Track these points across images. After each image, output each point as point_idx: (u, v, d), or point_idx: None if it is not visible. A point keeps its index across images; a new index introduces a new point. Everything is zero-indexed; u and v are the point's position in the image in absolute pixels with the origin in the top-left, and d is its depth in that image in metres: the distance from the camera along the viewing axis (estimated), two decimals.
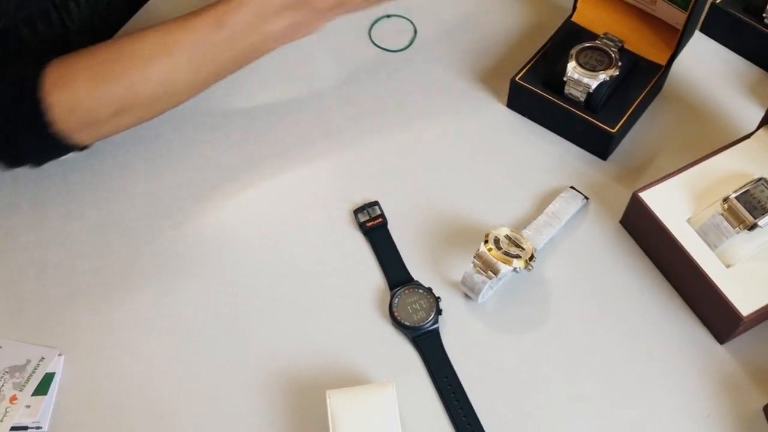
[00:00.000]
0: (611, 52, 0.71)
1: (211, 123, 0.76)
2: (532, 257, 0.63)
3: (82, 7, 0.74)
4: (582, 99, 0.71)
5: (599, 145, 0.72)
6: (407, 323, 0.64)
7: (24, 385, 0.62)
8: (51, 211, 0.72)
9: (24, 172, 0.72)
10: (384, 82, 0.79)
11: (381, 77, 0.80)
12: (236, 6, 0.63)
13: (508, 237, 0.64)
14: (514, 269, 0.62)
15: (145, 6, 0.83)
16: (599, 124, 0.70)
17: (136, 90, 0.64)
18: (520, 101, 0.75)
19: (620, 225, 0.69)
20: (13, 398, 0.61)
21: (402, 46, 0.82)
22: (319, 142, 0.75)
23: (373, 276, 0.68)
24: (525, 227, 0.68)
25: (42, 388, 0.62)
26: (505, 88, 0.76)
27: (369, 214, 0.71)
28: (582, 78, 0.70)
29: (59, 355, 0.64)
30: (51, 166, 0.73)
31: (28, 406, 0.61)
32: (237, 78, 0.69)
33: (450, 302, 0.66)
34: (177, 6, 0.80)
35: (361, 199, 0.71)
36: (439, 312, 0.64)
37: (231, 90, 0.77)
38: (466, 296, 0.66)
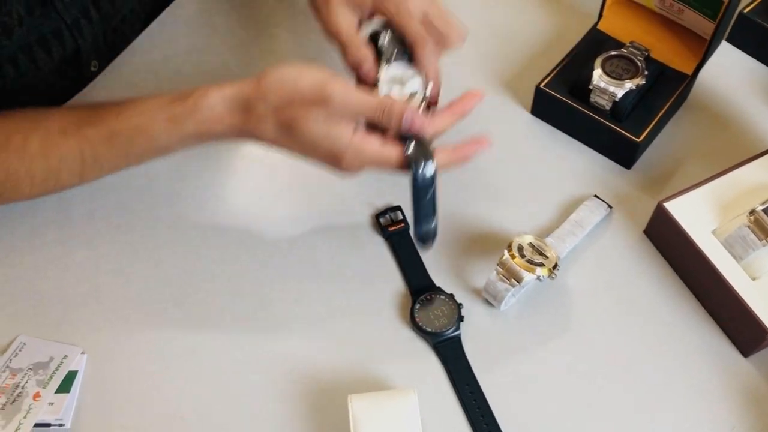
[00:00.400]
0: (638, 61, 0.71)
1: None
2: (555, 266, 0.63)
3: (95, 23, 0.73)
4: (607, 107, 0.70)
5: (624, 154, 0.72)
6: (429, 329, 0.64)
7: (47, 383, 0.62)
8: (75, 210, 0.73)
9: None
10: None
11: None
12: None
13: (531, 245, 0.64)
14: (538, 277, 0.62)
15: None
16: (624, 133, 0.70)
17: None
18: (544, 108, 0.75)
19: (644, 235, 0.69)
20: (37, 395, 0.62)
21: None
22: None
23: (395, 281, 0.68)
24: (548, 235, 0.67)
25: (65, 386, 0.62)
26: (529, 94, 0.76)
27: (391, 218, 0.70)
28: (608, 86, 0.69)
29: (82, 353, 0.64)
30: None
31: (52, 404, 0.61)
32: None
33: (472, 309, 0.65)
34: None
35: (383, 204, 0.71)
36: (461, 318, 0.64)
37: None
38: (488, 303, 0.66)
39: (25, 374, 0.63)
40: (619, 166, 0.73)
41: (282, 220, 0.71)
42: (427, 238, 0.62)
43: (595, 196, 0.71)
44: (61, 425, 0.61)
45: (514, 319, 0.65)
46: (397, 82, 0.62)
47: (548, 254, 0.64)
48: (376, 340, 0.65)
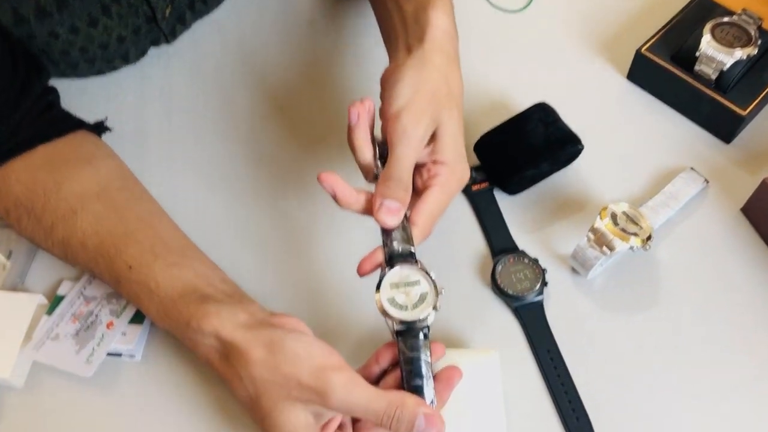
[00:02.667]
0: (750, 30, 0.67)
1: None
2: (649, 237, 0.60)
3: None
4: (713, 77, 0.67)
5: (725, 127, 0.69)
6: (510, 292, 0.62)
7: (120, 313, 0.62)
8: (153, 144, 0.72)
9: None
10: (498, 44, 0.76)
11: (495, 39, 0.77)
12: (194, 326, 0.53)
13: (625, 213, 0.61)
14: (631, 247, 0.59)
15: None
16: (729, 104, 0.66)
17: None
18: (643, 74, 0.72)
19: (741, 212, 0.66)
20: (110, 324, 0.61)
21: (519, 7, 0.78)
22: None
23: (476, 241, 0.65)
24: (640, 205, 0.64)
25: (138, 317, 0.62)
26: (627, 59, 0.72)
27: (475, 177, 0.68)
28: (717, 54, 0.66)
29: None
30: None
31: (124, 334, 0.61)
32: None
33: (556, 276, 0.63)
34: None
35: (468, 162, 0.69)
36: (545, 284, 0.62)
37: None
38: (574, 271, 0.63)
39: (99, 303, 0.63)
40: (717, 140, 0.70)
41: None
42: None
43: (692, 168, 0.67)
44: (132, 357, 0.61)
45: (600, 290, 0.63)
46: (401, 287, 0.52)
47: (642, 224, 0.61)
48: (453, 298, 0.62)
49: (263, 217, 0.68)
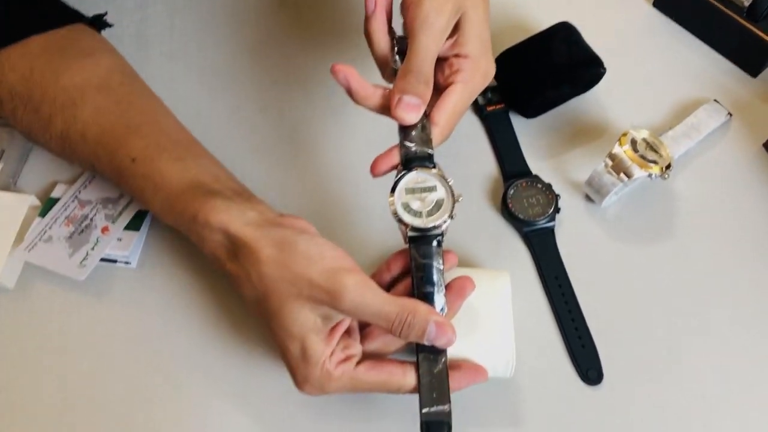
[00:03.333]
0: None
1: None
2: (669, 166, 0.58)
3: None
4: (746, 4, 0.63)
5: (753, 60, 0.66)
6: (521, 216, 0.60)
7: (116, 218, 0.59)
8: (154, 50, 0.69)
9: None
10: None
11: None
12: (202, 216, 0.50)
13: (645, 140, 0.59)
14: (649, 175, 0.57)
15: None
16: (761, 34, 0.63)
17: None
18: (669, 1, 0.68)
19: (763, 148, 0.63)
20: (105, 229, 0.59)
21: None
22: None
23: (488, 164, 0.63)
24: (660, 135, 0.62)
25: (134, 224, 0.59)
26: None
27: (490, 98, 0.65)
28: None
29: None
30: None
31: (120, 239, 0.59)
32: None
33: (568, 202, 0.61)
34: None
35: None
36: (557, 210, 0.60)
37: None
38: (587, 199, 0.61)
39: (94, 207, 0.60)
40: (743, 73, 0.67)
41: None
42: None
43: (715, 100, 0.65)
44: (127, 263, 0.59)
45: (613, 219, 0.61)
46: (417, 192, 0.50)
47: (662, 152, 0.59)
48: (462, 221, 0.60)
49: (269, 120, 0.65)
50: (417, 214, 0.49)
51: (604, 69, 0.63)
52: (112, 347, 0.57)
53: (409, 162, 0.50)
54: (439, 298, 0.48)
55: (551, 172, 0.63)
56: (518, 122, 0.65)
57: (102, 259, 0.58)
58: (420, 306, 0.46)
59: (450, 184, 0.49)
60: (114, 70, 0.59)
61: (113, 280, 0.59)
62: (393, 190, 0.49)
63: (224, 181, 0.54)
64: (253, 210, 0.51)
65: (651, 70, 0.67)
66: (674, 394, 0.54)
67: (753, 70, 0.67)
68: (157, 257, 0.60)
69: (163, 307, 0.58)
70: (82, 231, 0.59)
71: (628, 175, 0.57)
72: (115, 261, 0.59)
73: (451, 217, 0.49)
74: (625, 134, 0.59)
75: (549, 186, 0.61)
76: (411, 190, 0.49)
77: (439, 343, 0.47)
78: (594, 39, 0.65)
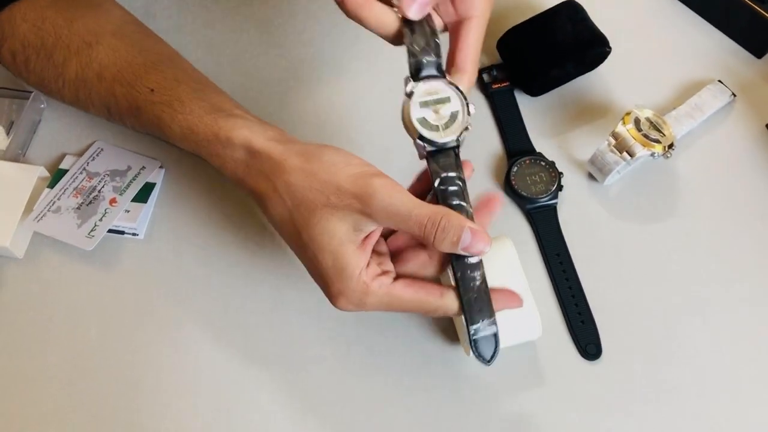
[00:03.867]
0: None
1: None
2: (671, 145, 0.58)
3: None
4: None
5: (758, 40, 0.66)
6: (524, 193, 0.60)
7: (124, 190, 0.60)
8: (161, 23, 0.69)
9: None
10: None
11: None
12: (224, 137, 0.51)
13: (649, 119, 0.59)
14: (652, 154, 0.58)
15: None
16: (767, 15, 0.64)
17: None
18: None
19: (766, 129, 0.64)
20: (113, 200, 0.60)
21: None
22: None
23: (492, 141, 0.64)
24: (663, 115, 0.62)
25: (142, 196, 0.60)
26: None
27: (495, 76, 0.66)
28: None
29: (160, 167, 0.62)
30: None
31: (128, 211, 0.60)
32: None
33: (571, 180, 0.62)
34: None
35: (488, 60, 0.67)
36: (560, 188, 0.60)
37: None
38: (590, 177, 0.62)
39: (102, 179, 0.61)
40: (748, 54, 0.67)
41: (377, 65, 0.67)
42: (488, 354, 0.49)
43: (719, 81, 0.65)
44: (134, 234, 0.60)
45: (616, 197, 0.61)
46: (430, 105, 0.48)
47: (665, 132, 0.59)
48: None
49: (276, 94, 0.66)
50: (434, 128, 0.47)
51: (609, 48, 0.63)
52: (120, 316, 0.58)
53: (418, 72, 0.48)
54: (468, 209, 0.47)
55: (555, 150, 0.63)
56: (523, 100, 0.65)
57: (110, 231, 0.59)
58: (452, 212, 0.45)
59: (463, 93, 0.48)
60: (127, 19, 0.60)
61: (121, 251, 0.60)
62: (408, 97, 0.48)
63: (243, 109, 0.55)
64: (273, 130, 0.51)
65: (656, 50, 0.68)
66: (671, 369, 0.55)
67: (758, 51, 0.67)
68: (164, 229, 0.61)
69: (170, 277, 0.59)
70: (90, 202, 0.60)
71: (631, 154, 0.58)
72: (122, 232, 0.60)
73: (467, 128, 0.48)
74: (628, 113, 0.59)
75: (552, 164, 0.62)
76: (425, 103, 0.48)
77: (475, 250, 0.45)
78: (599, 18, 0.65)
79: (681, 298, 0.58)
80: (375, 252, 0.48)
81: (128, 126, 0.58)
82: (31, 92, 0.64)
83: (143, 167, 0.62)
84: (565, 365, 0.56)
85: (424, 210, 0.45)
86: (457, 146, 0.48)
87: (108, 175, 0.61)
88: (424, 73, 0.48)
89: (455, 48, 0.50)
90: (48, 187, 0.61)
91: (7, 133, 0.63)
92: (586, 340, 0.56)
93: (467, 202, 0.47)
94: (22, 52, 0.57)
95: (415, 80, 0.48)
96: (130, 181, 0.61)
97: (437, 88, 0.48)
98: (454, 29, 0.50)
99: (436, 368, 0.56)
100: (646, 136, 0.58)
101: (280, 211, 0.48)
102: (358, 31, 0.50)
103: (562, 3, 0.65)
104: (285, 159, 0.48)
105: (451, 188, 0.47)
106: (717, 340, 0.56)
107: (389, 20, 0.48)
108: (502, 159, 0.63)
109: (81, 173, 0.61)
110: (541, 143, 0.63)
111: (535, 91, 0.65)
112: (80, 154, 0.63)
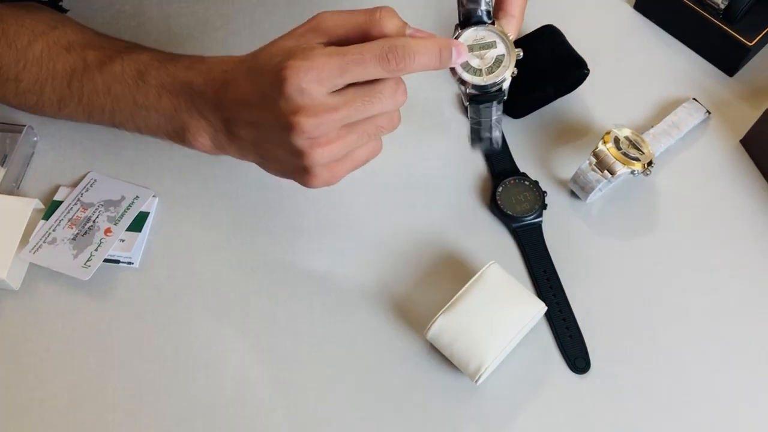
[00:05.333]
0: None
1: None
2: (650, 163, 0.61)
3: None
4: (722, 6, 0.66)
5: (729, 59, 0.68)
6: (510, 213, 0.62)
7: (118, 220, 0.61)
8: None
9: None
10: None
11: None
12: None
13: (628, 138, 0.61)
14: (632, 172, 0.60)
15: None
16: (736, 35, 0.66)
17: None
18: (650, 3, 0.71)
19: (740, 144, 0.66)
20: (108, 231, 0.61)
21: None
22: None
23: (477, 163, 0.65)
24: (642, 133, 0.65)
25: (136, 225, 0.61)
26: None
27: None
28: None
29: (153, 196, 0.63)
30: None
31: (123, 240, 0.61)
32: None
33: (555, 199, 0.63)
34: None
35: None
36: (544, 206, 0.62)
37: None
38: (573, 195, 0.64)
39: (96, 209, 0.62)
40: (720, 73, 0.69)
41: None
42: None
43: (694, 99, 0.67)
44: (129, 263, 0.61)
45: (598, 214, 0.63)
46: (475, 50, 0.49)
47: (644, 150, 0.61)
48: (454, 217, 0.63)
49: None
50: (477, 72, 0.49)
51: (588, 70, 0.65)
52: (117, 345, 0.59)
53: (467, 20, 0.50)
54: (497, 132, 0.53)
55: (538, 170, 0.65)
56: (506, 122, 0.67)
57: (105, 260, 0.60)
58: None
59: (510, 39, 0.49)
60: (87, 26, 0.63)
61: (117, 280, 0.61)
62: None
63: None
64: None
65: (633, 71, 0.70)
66: (659, 381, 0.57)
67: (730, 70, 0.69)
68: (159, 257, 0.62)
69: (166, 304, 0.60)
70: (86, 233, 0.61)
71: (612, 173, 0.60)
72: (118, 261, 0.61)
73: (512, 74, 0.49)
74: (608, 133, 0.61)
75: (536, 183, 0.64)
76: (470, 48, 0.49)
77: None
78: (578, 41, 0.67)
79: (665, 309, 0.60)
80: None
81: (84, 99, 0.58)
82: (24, 126, 0.65)
83: (137, 196, 0.63)
84: (554, 379, 0.57)
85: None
86: (500, 91, 0.49)
87: (102, 205, 0.62)
88: (473, 20, 0.50)
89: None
90: (43, 218, 0.62)
91: (1, 167, 0.64)
92: (575, 354, 0.58)
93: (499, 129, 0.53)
94: None
95: (462, 28, 0.50)
96: (125, 211, 0.62)
97: (483, 33, 0.50)
98: None
99: (426, 383, 0.57)
100: (625, 154, 0.60)
101: (239, 111, 0.51)
102: None
103: (542, 27, 0.67)
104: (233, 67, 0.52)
105: (484, 128, 0.52)
106: (701, 350, 0.58)
107: None
108: (488, 180, 0.65)
109: (75, 204, 0.62)
110: (524, 163, 0.65)
111: (517, 113, 0.67)
112: (74, 185, 0.64)
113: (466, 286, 0.57)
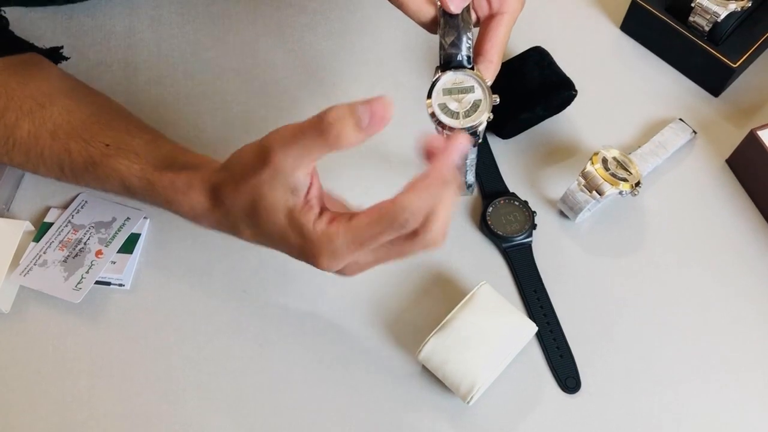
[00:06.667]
0: None
1: None
2: (638, 183, 0.61)
3: None
4: (706, 28, 0.67)
5: (714, 80, 0.69)
6: (500, 233, 0.63)
7: (109, 242, 0.61)
8: (141, 75, 0.71)
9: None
10: None
11: None
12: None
13: (616, 159, 0.62)
14: (620, 192, 0.60)
15: None
16: (720, 57, 0.67)
17: None
18: (637, 24, 0.72)
19: (726, 164, 0.67)
20: (99, 253, 0.61)
21: None
22: (426, 64, 0.73)
23: None
24: (630, 153, 0.65)
25: (127, 247, 0.61)
26: (620, 9, 0.73)
27: None
28: (711, 5, 0.66)
29: (144, 218, 0.63)
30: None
31: (114, 263, 0.61)
32: None
33: (544, 219, 0.64)
34: None
35: None
36: (533, 226, 0.63)
37: None
38: (562, 215, 0.64)
39: (87, 231, 0.62)
40: (705, 93, 0.70)
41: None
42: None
43: (680, 119, 0.68)
44: (121, 285, 0.61)
45: (587, 233, 0.64)
46: (454, 93, 0.51)
47: (632, 170, 0.62)
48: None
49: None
50: (454, 114, 0.50)
51: (576, 91, 0.66)
52: (109, 367, 0.58)
53: (448, 64, 0.51)
54: (470, 177, 0.55)
55: (527, 190, 0.66)
56: (495, 143, 0.68)
57: (96, 282, 0.60)
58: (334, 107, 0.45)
59: (488, 84, 0.50)
60: (79, 83, 0.62)
61: (107, 302, 0.61)
62: (430, 92, 0.50)
63: (191, 154, 0.57)
64: (202, 167, 0.53)
65: (620, 91, 0.71)
66: (649, 399, 0.58)
67: (715, 90, 0.70)
68: (150, 279, 0.62)
69: (157, 326, 0.60)
70: (77, 255, 0.61)
71: (600, 193, 0.60)
72: (109, 283, 0.61)
73: (488, 118, 0.50)
74: (596, 153, 0.62)
75: (526, 203, 0.64)
76: (448, 91, 0.50)
77: (375, 119, 0.44)
78: (565, 62, 0.68)
79: (653, 327, 0.60)
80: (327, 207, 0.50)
81: (81, 184, 0.59)
82: None
83: (128, 218, 0.63)
84: (545, 399, 0.57)
85: (310, 119, 0.45)
86: (475, 135, 0.50)
87: (93, 227, 0.62)
88: (453, 64, 0.51)
89: (484, 39, 0.53)
90: (34, 240, 0.62)
91: None
92: (566, 374, 0.58)
93: (472, 170, 0.55)
94: None
95: (442, 71, 0.51)
96: (116, 233, 0.62)
97: (462, 77, 0.51)
98: (485, 22, 0.53)
99: (417, 403, 0.57)
100: (613, 175, 0.61)
101: (246, 230, 0.50)
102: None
103: (530, 49, 0.68)
104: (220, 187, 0.50)
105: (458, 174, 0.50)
106: (690, 368, 0.59)
107: (427, 9, 0.52)
108: (478, 200, 0.65)
109: (66, 226, 0.62)
110: (514, 184, 0.66)
111: (506, 134, 0.67)
112: (65, 207, 0.64)
113: (458, 306, 0.57)
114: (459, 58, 0.50)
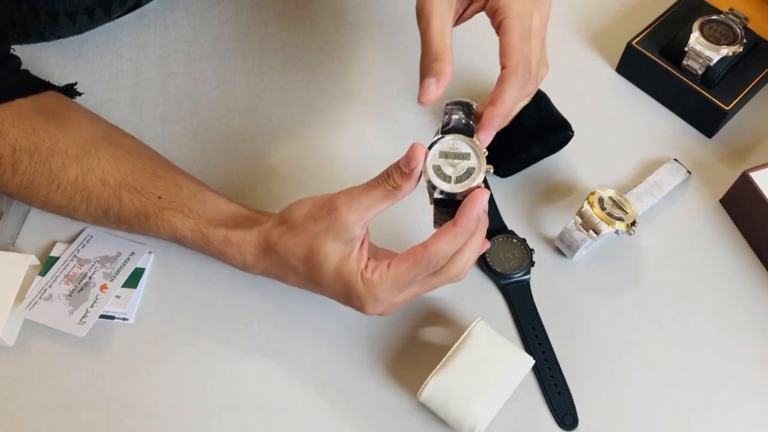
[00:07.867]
0: (737, 28, 0.69)
1: None
2: (634, 222, 0.63)
3: None
4: (699, 72, 0.69)
5: (708, 122, 0.71)
6: (499, 270, 0.64)
7: (114, 276, 0.62)
8: (148, 112, 0.72)
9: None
10: (490, 33, 0.78)
11: (488, 27, 0.78)
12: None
13: (612, 198, 0.63)
14: (616, 231, 0.62)
15: None
16: (714, 99, 0.69)
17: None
18: (632, 67, 0.74)
19: (720, 204, 0.68)
20: (104, 287, 0.62)
21: None
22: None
23: None
24: (625, 193, 0.67)
25: (132, 281, 0.62)
26: (616, 51, 0.75)
27: None
28: (704, 50, 0.68)
29: (149, 252, 0.64)
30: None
31: (118, 297, 0.61)
32: None
33: (542, 257, 0.65)
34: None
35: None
36: (532, 264, 0.64)
37: None
38: (559, 252, 0.65)
39: (93, 266, 0.63)
40: (699, 134, 0.72)
41: (351, 146, 0.71)
42: None
43: (675, 159, 0.70)
44: (125, 319, 0.62)
45: (584, 271, 0.65)
46: (450, 157, 0.52)
47: (628, 210, 0.63)
48: None
49: (264, 178, 0.69)
50: (446, 178, 0.51)
51: (572, 132, 0.68)
52: (111, 401, 0.59)
53: (449, 128, 0.53)
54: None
55: (525, 228, 0.67)
56: (494, 181, 0.69)
57: (100, 316, 0.61)
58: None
59: (485, 155, 0.52)
60: (111, 125, 0.64)
61: (111, 336, 0.61)
62: (427, 153, 0.52)
63: (233, 208, 0.61)
64: (255, 220, 0.59)
65: (616, 132, 0.73)
66: None
67: (709, 132, 0.72)
68: (154, 313, 0.62)
69: (161, 361, 0.60)
70: (82, 289, 0.61)
71: (597, 232, 0.62)
72: (113, 317, 0.61)
73: (479, 186, 0.51)
74: (592, 193, 0.63)
75: (524, 241, 0.65)
76: (444, 154, 0.52)
77: (413, 162, 0.50)
78: (562, 103, 0.70)
79: (650, 365, 0.61)
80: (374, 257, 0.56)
81: (122, 229, 0.62)
82: None
83: (132, 253, 0.64)
84: None
85: (373, 182, 0.52)
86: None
87: (98, 261, 0.63)
88: (454, 129, 0.53)
89: (500, 50, 0.56)
90: (39, 274, 0.62)
91: None
92: (563, 411, 0.59)
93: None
94: (11, 155, 0.59)
95: (443, 134, 0.53)
96: (120, 267, 0.63)
97: (460, 144, 0.53)
98: (499, 33, 0.57)
99: None
100: (610, 214, 0.62)
101: (294, 274, 0.56)
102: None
103: None
104: (276, 240, 0.56)
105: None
106: (687, 405, 0.59)
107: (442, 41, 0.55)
108: None
109: (72, 260, 0.63)
110: (512, 221, 0.67)
111: (504, 172, 0.69)
112: (71, 242, 0.65)
113: (456, 345, 0.58)
114: (460, 124, 0.53)
